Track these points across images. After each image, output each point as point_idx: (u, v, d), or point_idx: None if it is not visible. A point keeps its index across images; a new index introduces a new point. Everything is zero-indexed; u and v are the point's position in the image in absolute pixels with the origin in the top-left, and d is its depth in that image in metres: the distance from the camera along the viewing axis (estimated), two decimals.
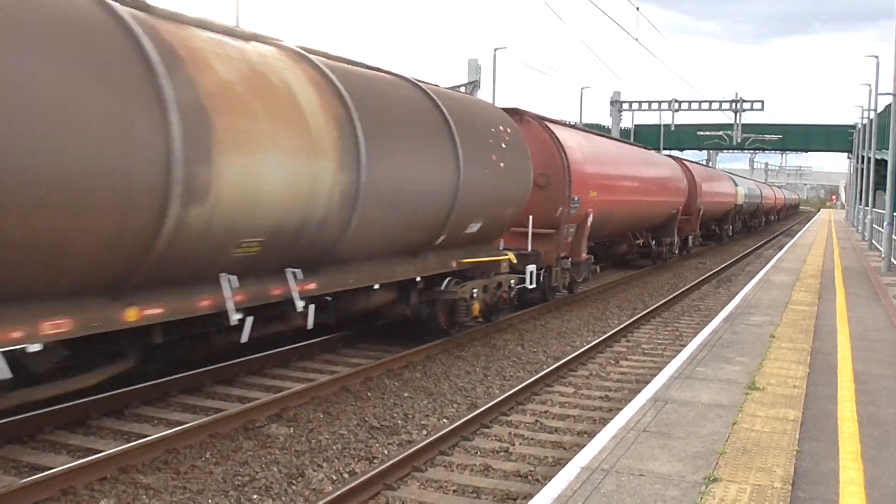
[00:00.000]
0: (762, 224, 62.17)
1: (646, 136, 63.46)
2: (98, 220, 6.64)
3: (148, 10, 7.84)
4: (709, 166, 56.68)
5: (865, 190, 45.31)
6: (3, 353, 6.47)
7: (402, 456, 7.81)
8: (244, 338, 9.16)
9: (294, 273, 9.48)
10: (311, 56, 10.07)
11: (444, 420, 9.56)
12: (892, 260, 23.84)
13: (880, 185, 42.38)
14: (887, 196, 26.83)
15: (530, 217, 16.24)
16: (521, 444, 8.75)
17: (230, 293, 8.48)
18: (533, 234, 16.72)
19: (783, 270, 22.70)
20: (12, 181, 5.92)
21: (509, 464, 8.09)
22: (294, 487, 7.38)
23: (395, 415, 9.67)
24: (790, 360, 10.28)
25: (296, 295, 9.48)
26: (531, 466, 8.01)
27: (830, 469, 6.38)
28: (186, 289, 8.08)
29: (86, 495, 7.00)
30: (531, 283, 16.20)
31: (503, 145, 13.85)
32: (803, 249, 31.90)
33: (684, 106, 60.27)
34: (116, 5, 7.27)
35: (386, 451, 8.38)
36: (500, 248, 15.59)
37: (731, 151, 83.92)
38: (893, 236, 24.44)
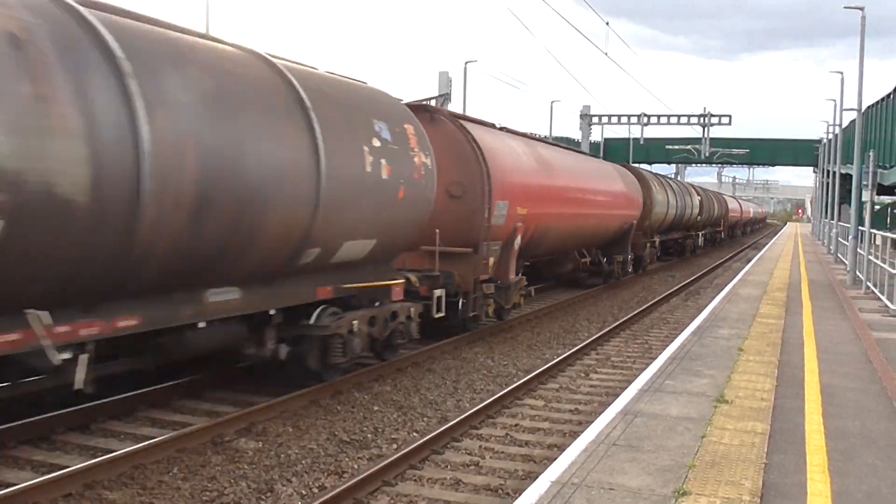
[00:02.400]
0: (724, 238, 62.47)
1: (615, 150, 64.05)
2: None
3: None
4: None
5: (831, 204, 45.90)
6: None
7: (372, 470, 7.77)
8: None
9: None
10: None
11: (415, 434, 9.53)
12: (857, 273, 24.14)
13: (845, 199, 42.98)
14: (852, 210, 27.20)
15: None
16: (491, 457, 8.74)
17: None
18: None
19: (751, 283, 22.92)
20: None
21: (480, 477, 8.08)
22: (263, 502, 7.31)
23: (364, 428, 9.62)
24: (758, 373, 10.36)
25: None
26: (501, 480, 8.00)
27: (798, 482, 6.43)
28: None
29: None
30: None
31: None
32: (770, 262, 32.24)
33: (653, 120, 60.82)
34: None
35: (356, 466, 8.34)
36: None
37: (699, 165, 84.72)
38: (858, 250, 24.77)
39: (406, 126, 12.01)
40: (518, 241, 16.35)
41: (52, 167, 6.52)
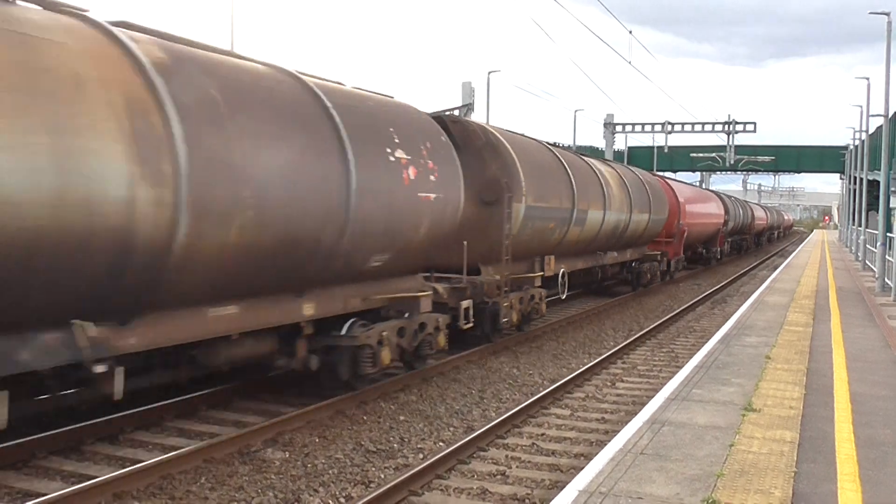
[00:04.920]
0: (753, 246, 62.10)
1: (639, 158, 63.76)
2: None
3: None
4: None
5: (858, 210, 45.47)
6: None
7: (398, 480, 7.77)
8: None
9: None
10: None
11: (441, 443, 9.52)
12: (886, 280, 23.89)
13: (873, 205, 42.53)
14: (880, 216, 26.92)
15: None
16: (517, 467, 8.72)
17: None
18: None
19: (778, 291, 22.74)
20: None
21: (506, 487, 8.06)
22: None
23: (391, 438, 9.63)
24: (786, 382, 10.28)
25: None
26: (528, 490, 7.98)
27: (829, 490, 6.36)
28: None
29: None
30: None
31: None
32: (797, 270, 31.96)
33: (677, 128, 60.47)
34: None
35: (382, 476, 8.34)
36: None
37: (724, 173, 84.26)
38: (887, 257, 24.51)
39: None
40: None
41: None
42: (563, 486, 6.62)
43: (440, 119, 14.12)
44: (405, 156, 11.25)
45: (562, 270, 18.61)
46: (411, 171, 11.31)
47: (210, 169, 7.77)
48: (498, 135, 15.68)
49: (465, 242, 13.84)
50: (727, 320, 16.88)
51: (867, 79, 40.30)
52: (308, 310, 9.97)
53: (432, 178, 11.88)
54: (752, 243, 61.41)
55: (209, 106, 7.99)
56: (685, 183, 41.16)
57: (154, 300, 7.72)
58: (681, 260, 32.63)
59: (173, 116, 7.41)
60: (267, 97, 9.02)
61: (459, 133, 14.65)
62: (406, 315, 11.82)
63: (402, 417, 10.54)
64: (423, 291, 12.25)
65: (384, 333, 11.07)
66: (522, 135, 18.28)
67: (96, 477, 7.64)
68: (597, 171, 21.27)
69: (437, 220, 12.02)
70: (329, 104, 9.94)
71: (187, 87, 7.81)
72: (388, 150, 10.91)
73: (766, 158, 73.74)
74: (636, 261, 26.41)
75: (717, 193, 46.75)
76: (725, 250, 46.40)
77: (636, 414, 8.94)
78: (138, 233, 7.10)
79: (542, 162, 17.49)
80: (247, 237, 8.32)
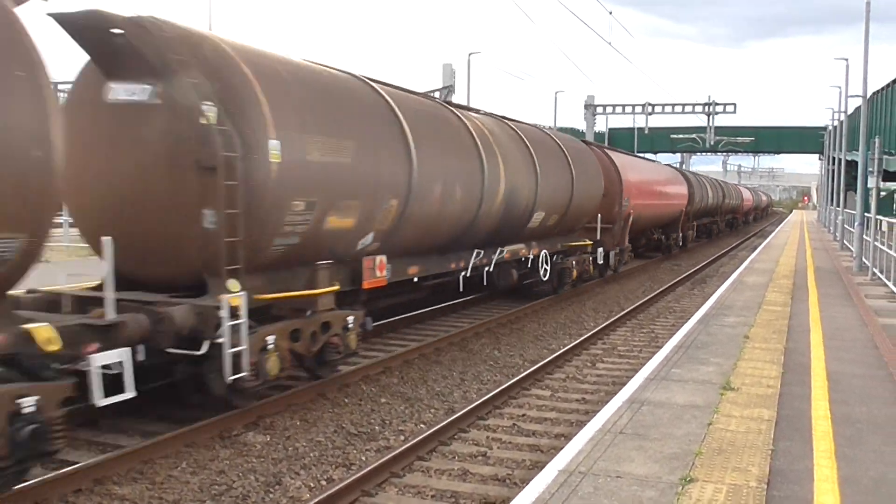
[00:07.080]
0: (721, 230, 58.48)
1: (620, 140, 63.91)
2: None
3: None
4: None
5: (837, 191, 45.74)
6: None
7: (379, 462, 7.80)
8: None
9: None
10: None
11: (422, 425, 9.56)
12: (863, 260, 24.09)
13: (851, 185, 42.85)
14: (857, 197, 27.12)
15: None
16: (498, 447, 8.77)
17: None
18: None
19: (756, 271, 22.89)
20: None
21: (487, 468, 8.10)
22: (272, 496, 7.35)
23: (372, 421, 9.65)
24: (764, 361, 10.37)
25: None
26: (509, 470, 8.03)
27: (805, 468, 6.44)
28: None
29: None
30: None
31: None
32: (776, 250, 32.17)
33: (658, 109, 60.63)
34: None
35: (364, 458, 8.37)
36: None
37: (704, 154, 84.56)
38: (864, 236, 24.71)
39: None
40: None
41: None
42: (543, 466, 6.67)
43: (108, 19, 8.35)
44: None
45: (386, 268, 11.86)
46: None
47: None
48: (221, 44, 9.05)
49: (105, 239, 7.88)
50: (706, 300, 16.99)
51: (846, 60, 40.59)
52: None
53: None
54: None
55: None
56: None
57: None
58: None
59: None
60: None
61: (151, 46, 8.48)
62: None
63: (383, 400, 10.56)
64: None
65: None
66: (314, 62, 11.30)
67: (76, 462, 7.63)
68: (468, 125, 14.73)
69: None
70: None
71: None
72: None
73: (747, 139, 74.09)
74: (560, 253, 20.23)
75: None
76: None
77: (616, 394, 9.00)
78: None
79: (330, 95, 10.52)
80: None
